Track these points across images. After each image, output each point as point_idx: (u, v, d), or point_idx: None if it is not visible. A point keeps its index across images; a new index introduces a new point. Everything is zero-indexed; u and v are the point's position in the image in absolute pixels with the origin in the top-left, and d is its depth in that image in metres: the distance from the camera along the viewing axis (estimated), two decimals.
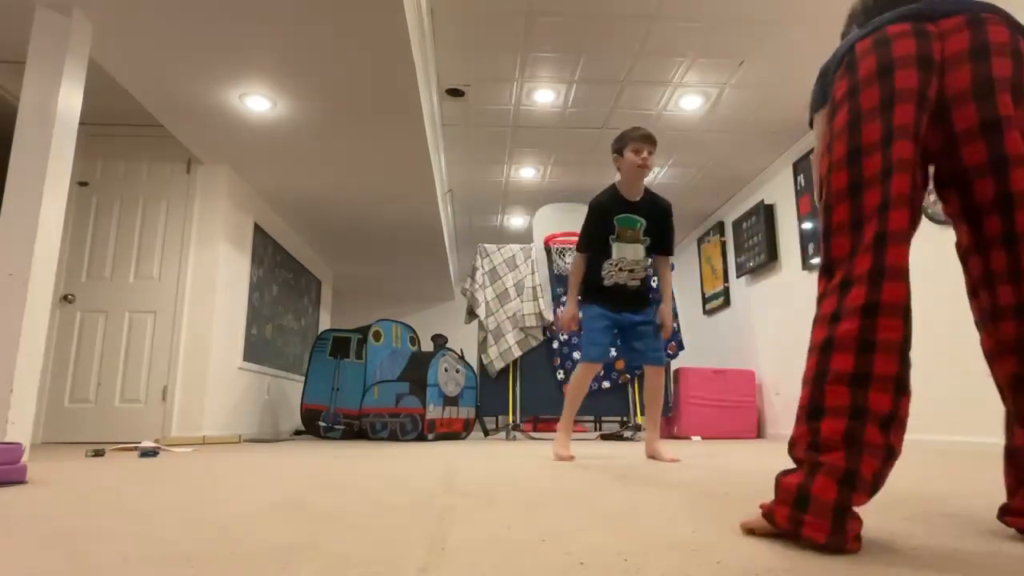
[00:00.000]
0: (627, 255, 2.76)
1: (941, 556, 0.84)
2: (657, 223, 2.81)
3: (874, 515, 1.16)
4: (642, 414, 5.08)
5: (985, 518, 1.15)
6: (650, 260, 2.86)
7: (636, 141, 2.73)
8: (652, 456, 2.77)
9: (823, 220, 1.06)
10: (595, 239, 2.81)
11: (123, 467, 2.34)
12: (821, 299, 1.01)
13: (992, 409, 3.28)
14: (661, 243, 2.84)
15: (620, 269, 2.76)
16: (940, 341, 3.64)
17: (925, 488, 1.61)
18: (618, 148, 2.80)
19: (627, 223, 2.76)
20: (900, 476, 1.89)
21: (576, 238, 5.78)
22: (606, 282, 2.78)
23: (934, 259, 3.81)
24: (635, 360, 2.92)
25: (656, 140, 2.79)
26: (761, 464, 2.49)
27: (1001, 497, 1.05)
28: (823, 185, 1.08)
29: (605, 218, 2.78)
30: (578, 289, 2.87)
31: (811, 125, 1.33)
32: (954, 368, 3.56)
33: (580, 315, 2.88)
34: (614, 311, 2.80)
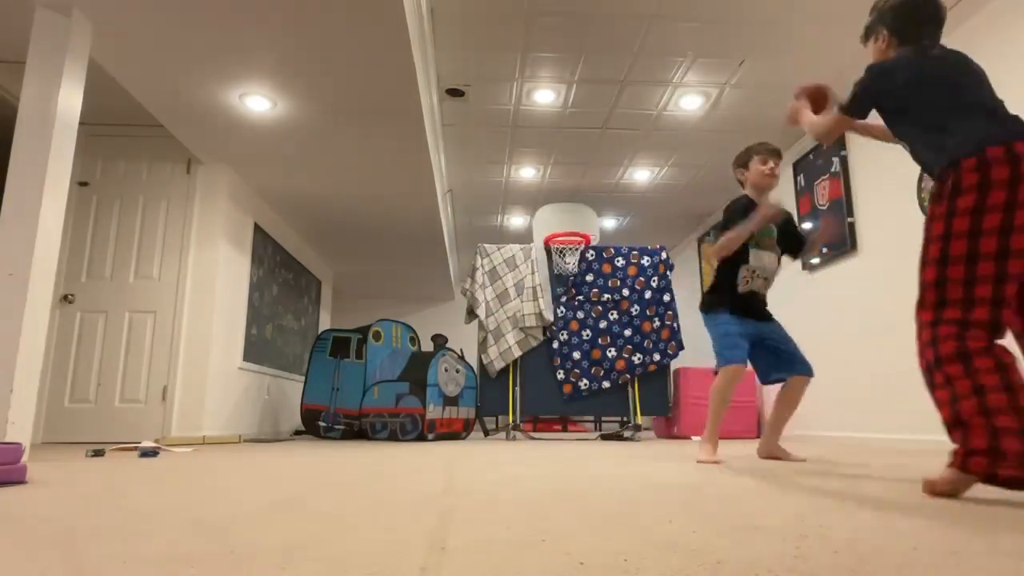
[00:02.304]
0: (765, 263, 2.72)
1: None
2: (784, 230, 2.82)
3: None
4: (640, 413, 5.08)
5: None
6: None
7: (762, 153, 2.75)
8: (770, 457, 2.75)
9: (937, 271, 1.49)
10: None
11: (123, 467, 2.34)
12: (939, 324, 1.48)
13: None
14: (793, 245, 2.84)
15: (757, 276, 2.71)
16: None
17: None
18: (743, 162, 2.81)
19: (766, 232, 2.74)
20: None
21: (576, 238, 5.81)
22: (741, 288, 2.71)
23: None
24: (781, 370, 2.75)
25: (782, 154, 2.81)
26: (760, 464, 2.49)
27: None
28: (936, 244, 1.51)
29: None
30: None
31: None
32: None
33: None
34: (744, 317, 2.72)
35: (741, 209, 2.71)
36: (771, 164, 2.74)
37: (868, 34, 1.87)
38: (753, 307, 2.74)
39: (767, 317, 2.79)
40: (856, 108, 1.77)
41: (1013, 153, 1.44)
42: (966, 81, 1.62)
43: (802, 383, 2.76)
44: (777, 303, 2.72)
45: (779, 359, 2.76)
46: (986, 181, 1.44)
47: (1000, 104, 1.58)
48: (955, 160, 1.50)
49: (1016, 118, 1.54)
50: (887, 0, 1.82)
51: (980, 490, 1.56)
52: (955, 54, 1.67)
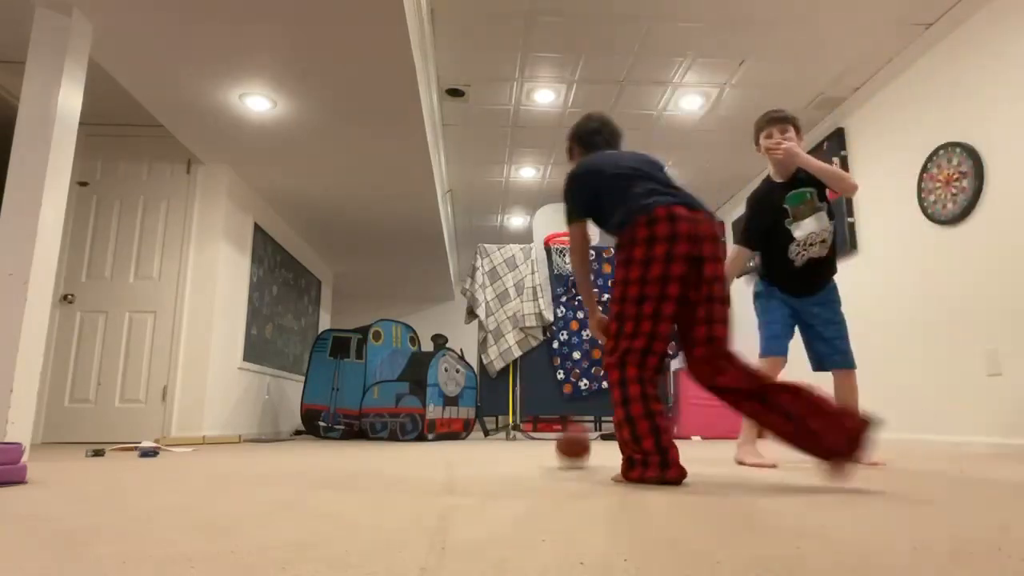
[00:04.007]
0: (813, 228, 2.50)
1: None
2: (823, 184, 2.56)
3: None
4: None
5: None
6: (833, 220, 2.59)
7: (764, 127, 2.58)
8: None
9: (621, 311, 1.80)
10: (761, 231, 2.59)
11: (123, 467, 2.34)
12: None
13: (990, 409, 3.28)
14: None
15: (811, 244, 2.51)
16: (939, 340, 3.64)
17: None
18: (756, 140, 2.64)
19: (797, 199, 2.53)
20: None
21: None
22: (797, 263, 2.52)
23: (933, 258, 3.82)
24: (822, 362, 2.58)
25: (785, 117, 2.56)
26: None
27: None
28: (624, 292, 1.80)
29: (767, 208, 2.57)
30: None
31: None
32: (952, 368, 3.56)
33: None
34: (799, 294, 2.56)
35: (756, 199, 2.61)
36: (774, 137, 2.53)
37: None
38: (817, 277, 2.55)
39: (828, 281, 2.59)
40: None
41: (672, 213, 1.74)
42: (646, 168, 1.96)
43: (844, 377, 2.51)
44: None
45: (820, 351, 2.56)
46: (652, 235, 1.73)
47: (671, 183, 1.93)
48: (631, 217, 1.79)
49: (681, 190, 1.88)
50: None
51: (981, 490, 1.56)
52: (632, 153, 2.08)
